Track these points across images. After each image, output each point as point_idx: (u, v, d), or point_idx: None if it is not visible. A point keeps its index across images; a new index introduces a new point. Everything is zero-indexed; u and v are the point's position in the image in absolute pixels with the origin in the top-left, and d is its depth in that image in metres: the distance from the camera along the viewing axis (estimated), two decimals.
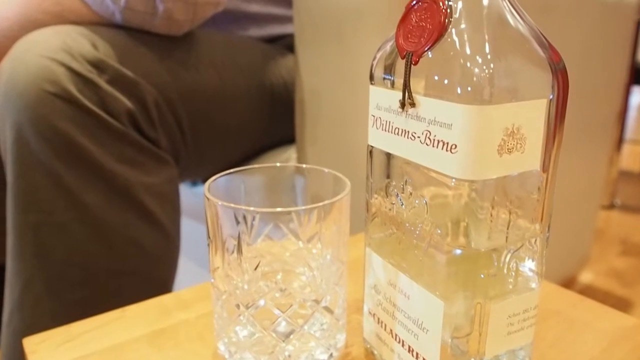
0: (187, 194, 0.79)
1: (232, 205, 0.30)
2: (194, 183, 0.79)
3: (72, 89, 0.46)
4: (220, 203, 0.30)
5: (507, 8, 0.26)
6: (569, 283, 1.19)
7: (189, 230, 0.77)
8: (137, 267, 0.53)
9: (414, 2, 0.27)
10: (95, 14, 0.52)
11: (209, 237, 0.32)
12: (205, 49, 0.60)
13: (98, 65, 0.48)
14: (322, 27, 0.60)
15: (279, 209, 0.30)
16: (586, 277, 1.23)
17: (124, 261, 0.52)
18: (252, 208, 0.29)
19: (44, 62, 0.46)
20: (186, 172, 0.64)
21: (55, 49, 0.47)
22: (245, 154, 0.70)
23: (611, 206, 1.72)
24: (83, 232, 0.49)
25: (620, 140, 1.79)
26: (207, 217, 0.32)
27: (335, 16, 0.58)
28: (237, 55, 0.65)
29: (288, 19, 0.75)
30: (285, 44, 0.75)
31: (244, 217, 0.30)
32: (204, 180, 0.74)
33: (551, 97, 0.26)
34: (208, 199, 0.31)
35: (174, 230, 0.57)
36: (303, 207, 0.30)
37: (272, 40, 0.75)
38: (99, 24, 0.53)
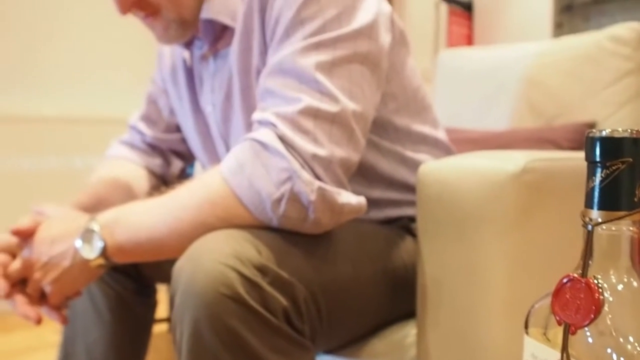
0: None
1: None
2: None
3: (241, 290, 0.55)
4: None
5: None
6: None
7: None
8: None
9: (566, 279, 0.33)
10: (256, 219, 0.62)
11: None
12: (340, 243, 0.68)
13: (262, 269, 0.57)
14: (444, 225, 0.67)
15: None
16: None
17: None
18: None
19: (219, 267, 0.55)
20: (315, 349, 0.70)
21: (228, 255, 0.56)
22: (367, 330, 0.76)
23: None
24: None
25: None
26: None
27: (457, 217, 0.66)
28: (366, 244, 0.73)
29: (405, 203, 0.83)
30: (402, 225, 0.83)
31: None
32: (324, 352, 0.80)
33: None
34: None
35: None
36: None
37: (390, 221, 0.83)
38: (258, 227, 0.62)
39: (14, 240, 0.73)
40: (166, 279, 1.02)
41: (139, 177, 0.98)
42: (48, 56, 2.28)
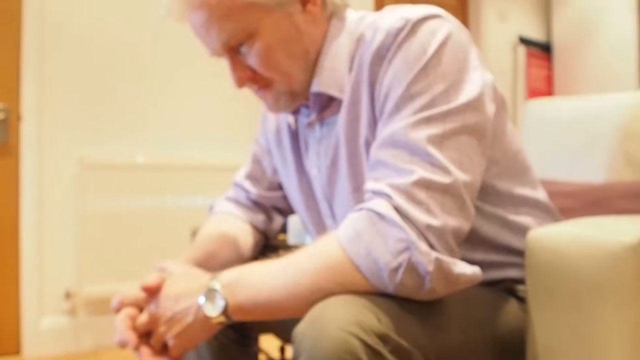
0: None
1: None
2: None
3: (365, 358, 0.57)
4: None
5: None
6: None
7: None
8: None
9: None
10: (372, 286, 0.65)
11: None
12: (451, 309, 0.70)
13: (383, 338, 0.59)
14: (557, 294, 0.68)
15: None
16: None
17: None
18: None
19: (343, 335, 0.58)
20: None
21: (350, 323, 0.59)
22: None
23: None
24: None
25: None
26: None
27: (570, 286, 0.66)
28: (474, 310, 0.74)
29: (508, 265, 0.84)
30: (504, 287, 0.84)
31: None
32: None
33: None
34: None
35: None
36: None
37: (492, 283, 0.84)
38: (373, 293, 0.65)
39: (141, 295, 0.79)
40: (267, 330, 1.06)
41: (244, 233, 1.03)
42: (141, 110, 2.45)
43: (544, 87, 3.77)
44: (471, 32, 3.45)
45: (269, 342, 1.77)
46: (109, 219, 2.28)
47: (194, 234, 1.79)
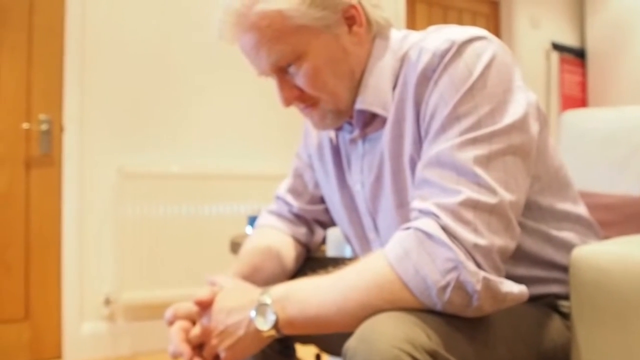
0: None
1: None
2: None
3: None
4: None
5: None
6: None
7: None
8: None
9: None
10: (420, 303, 0.67)
11: None
12: (497, 326, 0.71)
13: (433, 355, 0.61)
14: (603, 312, 0.68)
15: None
16: None
17: None
18: None
19: (394, 351, 0.60)
20: None
21: (400, 340, 0.61)
22: None
23: None
24: None
25: None
26: None
27: (617, 305, 0.67)
28: (519, 326, 0.75)
29: (551, 280, 0.85)
30: (547, 302, 0.85)
31: None
32: None
33: None
34: None
35: None
36: None
37: (534, 299, 0.85)
38: (421, 310, 0.67)
39: (194, 308, 0.82)
40: (308, 341, 1.09)
41: (287, 246, 1.06)
42: (179, 121, 2.51)
43: (577, 94, 3.73)
44: (504, 38, 3.44)
45: (305, 351, 1.80)
46: (148, 227, 2.34)
47: (232, 242, 1.83)
